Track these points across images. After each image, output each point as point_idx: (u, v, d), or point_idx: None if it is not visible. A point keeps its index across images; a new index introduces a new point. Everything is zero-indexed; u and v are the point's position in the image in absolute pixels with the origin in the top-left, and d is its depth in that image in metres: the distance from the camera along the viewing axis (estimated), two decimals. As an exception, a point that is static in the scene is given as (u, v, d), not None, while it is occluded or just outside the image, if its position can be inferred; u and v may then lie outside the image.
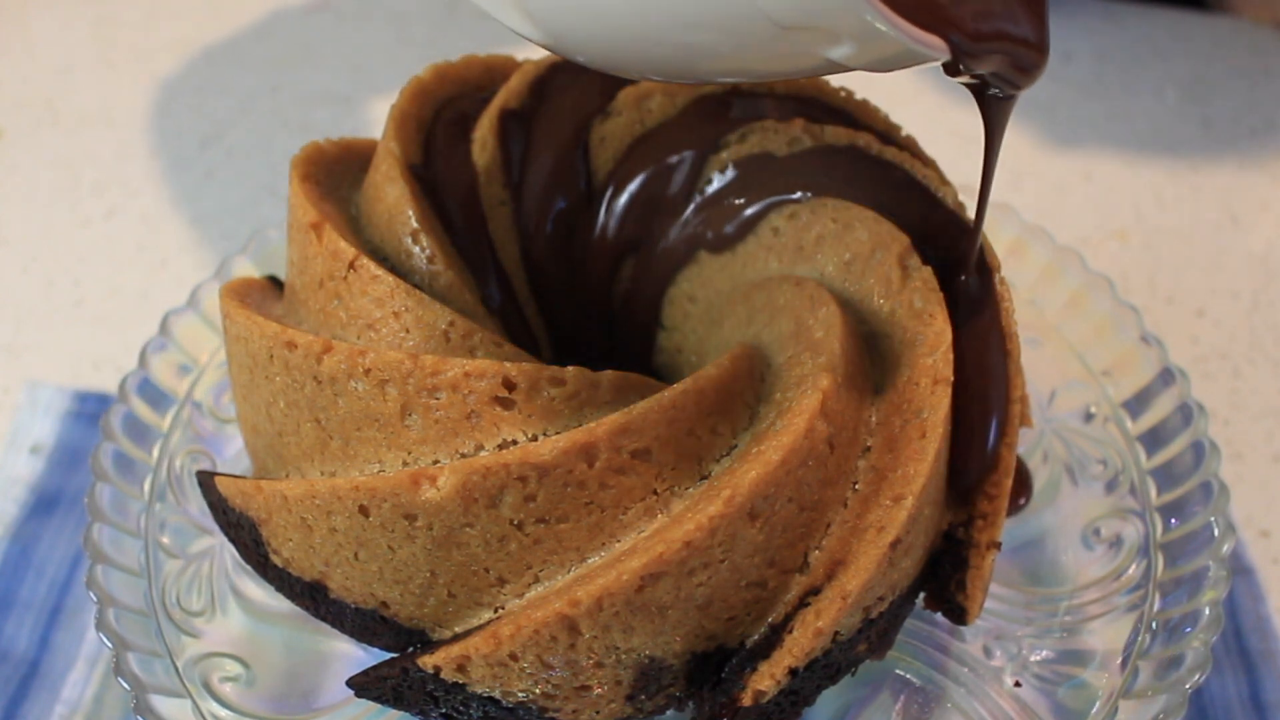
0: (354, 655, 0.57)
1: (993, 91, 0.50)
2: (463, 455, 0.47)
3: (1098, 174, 0.96)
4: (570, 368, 0.47)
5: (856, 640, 0.48)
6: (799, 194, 0.55)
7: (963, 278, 0.53)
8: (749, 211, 0.57)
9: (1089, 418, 0.64)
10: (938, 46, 0.42)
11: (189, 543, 0.59)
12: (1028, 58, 0.49)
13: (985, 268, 0.52)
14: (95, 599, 0.52)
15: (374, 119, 1.00)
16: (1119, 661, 0.53)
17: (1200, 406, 0.60)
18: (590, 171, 0.59)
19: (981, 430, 0.50)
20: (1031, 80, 0.49)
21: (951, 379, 0.49)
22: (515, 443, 0.46)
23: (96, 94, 1.03)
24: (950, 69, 0.44)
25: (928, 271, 0.51)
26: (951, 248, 0.52)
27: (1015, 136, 0.99)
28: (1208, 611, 0.51)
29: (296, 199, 0.54)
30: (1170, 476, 0.59)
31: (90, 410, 0.75)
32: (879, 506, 0.48)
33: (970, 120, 0.93)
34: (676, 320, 0.60)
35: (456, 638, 0.47)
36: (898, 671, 0.56)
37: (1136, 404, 0.63)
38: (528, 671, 0.45)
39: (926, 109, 1.01)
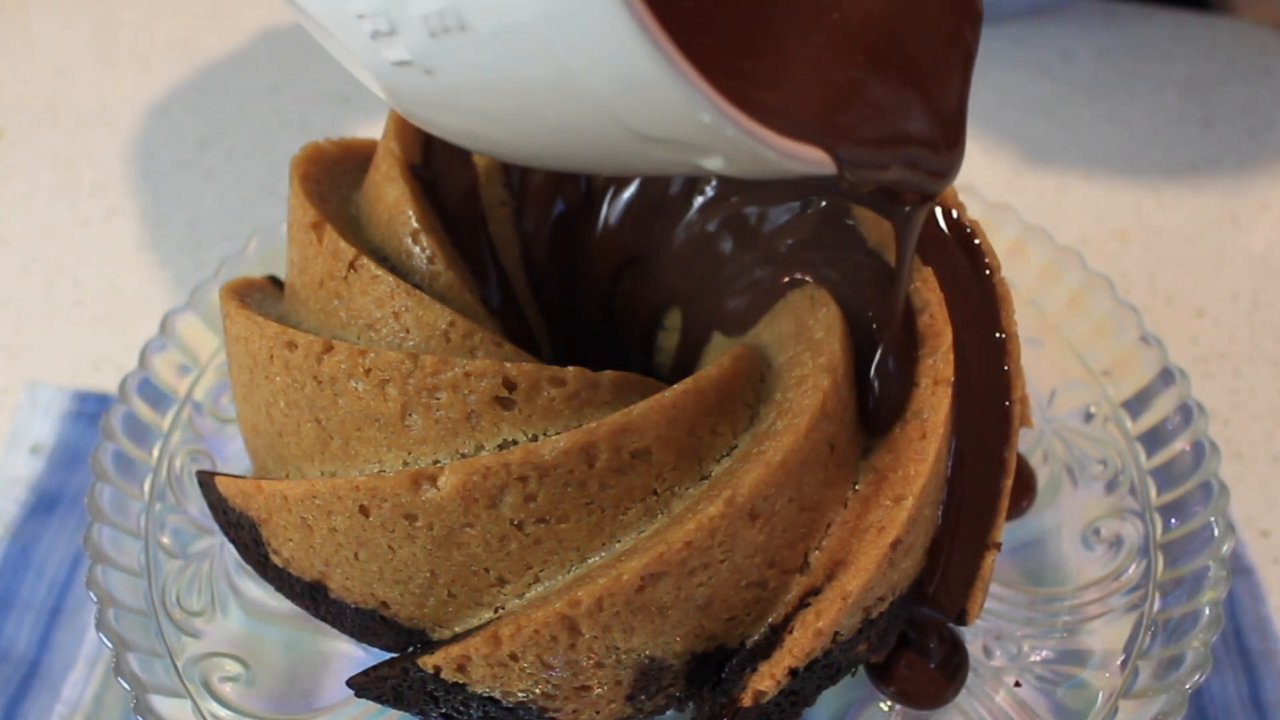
0: (354, 655, 0.57)
1: (903, 206, 0.44)
2: (463, 455, 0.47)
3: (1098, 174, 0.96)
4: (570, 368, 0.47)
5: (856, 640, 0.48)
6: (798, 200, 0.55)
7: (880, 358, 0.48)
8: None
9: (1089, 418, 0.64)
10: (819, 161, 0.37)
11: (189, 543, 0.59)
12: (933, 162, 0.41)
13: (985, 268, 0.52)
14: (95, 599, 0.52)
15: (374, 119, 1.00)
16: (1119, 661, 0.53)
17: (1200, 406, 0.60)
18: (590, 171, 0.59)
19: (982, 432, 0.50)
20: (943, 184, 0.43)
21: (952, 379, 0.49)
22: (515, 443, 0.46)
23: (96, 94, 1.03)
24: (842, 182, 0.39)
25: (928, 271, 0.51)
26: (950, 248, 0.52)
27: (1015, 136, 0.99)
28: (1208, 611, 0.51)
29: (297, 199, 0.54)
30: (1170, 476, 0.59)
31: (90, 410, 0.75)
32: (879, 507, 0.48)
33: (970, 120, 0.93)
34: (677, 320, 0.60)
35: (456, 638, 0.47)
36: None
37: (1136, 404, 0.63)
38: (528, 671, 0.45)
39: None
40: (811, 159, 0.37)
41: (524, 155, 0.43)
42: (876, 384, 0.49)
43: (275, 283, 0.61)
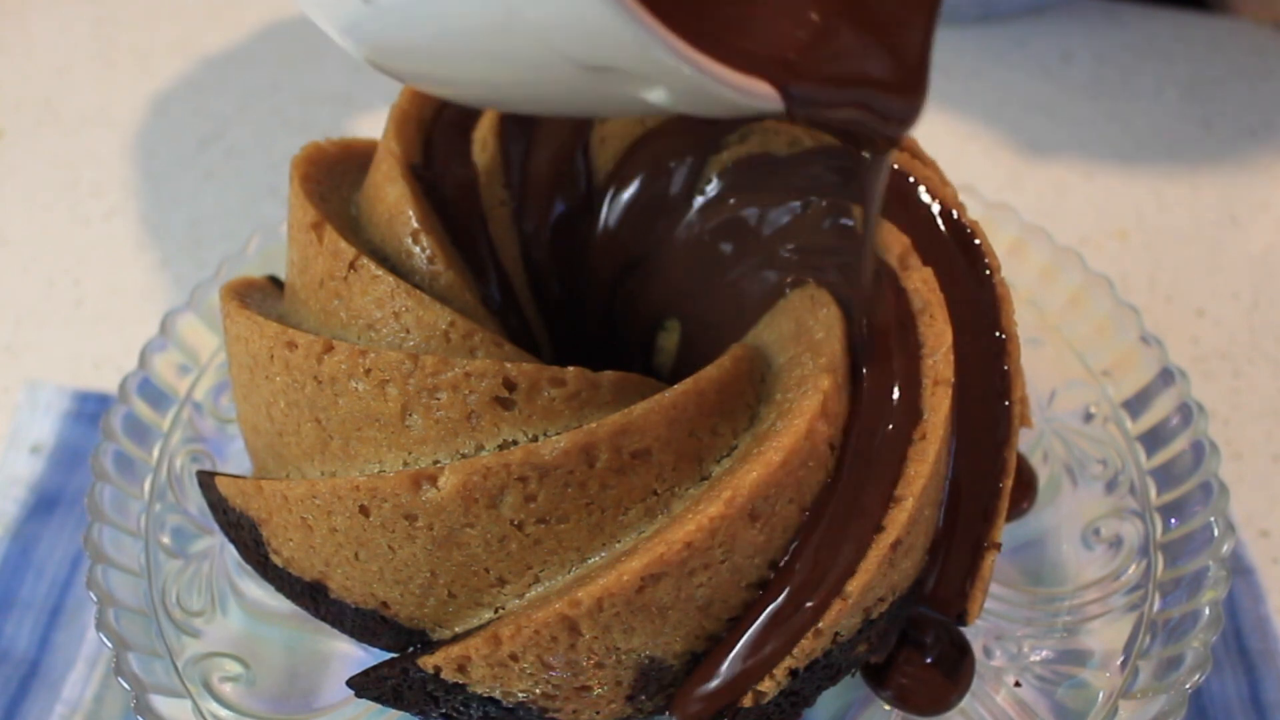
0: (354, 655, 0.57)
1: (867, 151, 0.44)
2: (463, 455, 0.47)
3: (1098, 174, 0.96)
4: (571, 368, 0.47)
5: (857, 641, 0.48)
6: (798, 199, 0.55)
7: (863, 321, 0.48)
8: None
9: (1089, 418, 0.64)
10: (767, 96, 0.37)
11: (189, 543, 0.59)
12: (891, 106, 0.41)
13: (984, 268, 0.52)
14: (95, 599, 0.52)
15: (374, 119, 1.00)
16: (1119, 661, 0.53)
17: (1200, 406, 0.60)
18: (591, 172, 0.59)
19: (982, 432, 0.50)
20: (903, 130, 0.42)
21: (952, 379, 0.49)
22: (516, 443, 0.46)
23: (96, 94, 1.03)
24: (794, 118, 0.39)
25: (928, 272, 0.51)
26: (950, 249, 0.52)
27: (1015, 136, 0.99)
28: (1208, 611, 0.52)
29: (297, 199, 0.54)
30: (1170, 476, 0.59)
31: (90, 410, 0.75)
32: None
33: (969, 120, 0.93)
34: (677, 321, 0.60)
35: (457, 638, 0.47)
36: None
37: (1136, 404, 0.63)
38: (528, 672, 0.45)
39: (927, 109, 1.01)
40: (759, 93, 0.37)
41: (470, 93, 0.42)
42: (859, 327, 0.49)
43: (275, 283, 0.61)
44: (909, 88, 0.42)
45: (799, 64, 0.39)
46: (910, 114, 0.42)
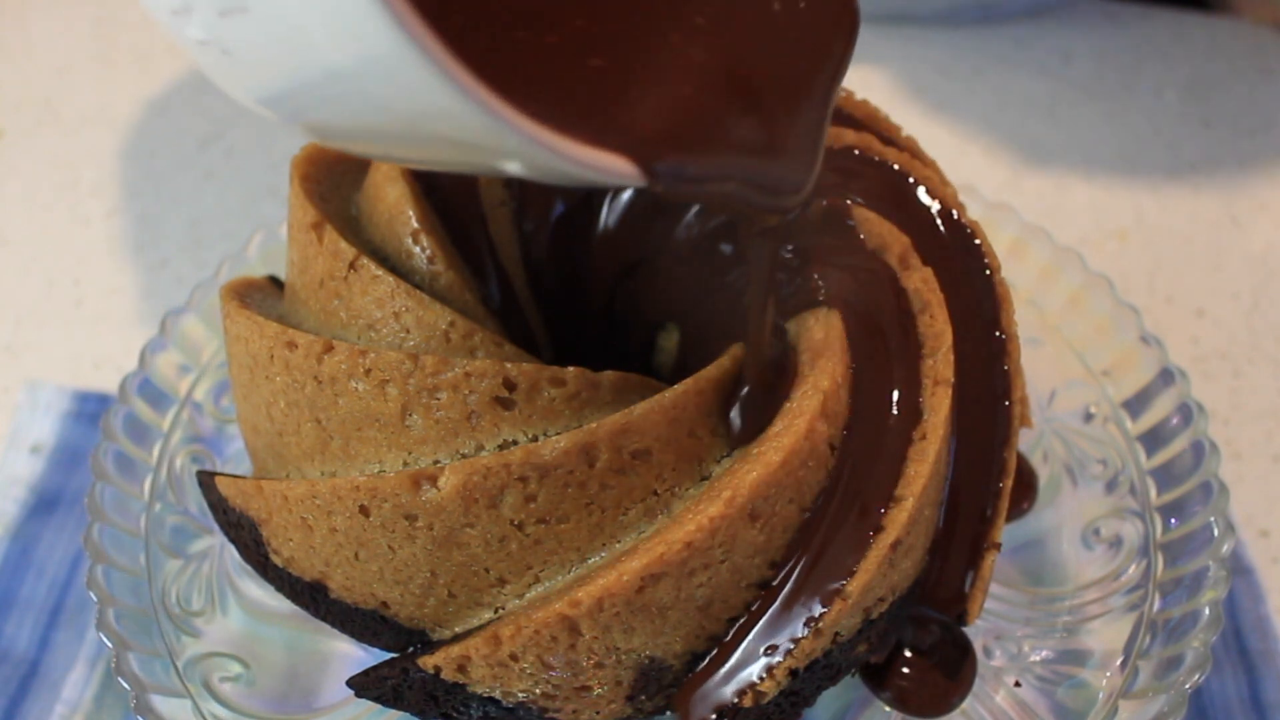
0: (354, 655, 0.57)
1: (746, 227, 0.41)
2: (463, 455, 0.47)
3: (1098, 174, 0.96)
4: (571, 368, 0.47)
5: (856, 641, 0.48)
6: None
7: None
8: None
9: (1089, 418, 0.64)
10: (625, 173, 0.34)
11: (189, 543, 0.59)
12: (774, 182, 0.37)
13: (984, 268, 0.52)
14: (95, 599, 0.52)
15: (374, 119, 0.99)
16: (1119, 661, 0.53)
17: (1200, 406, 0.60)
18: (591, 172, 0.59)
19: (982, 432, 0.50)
20: (788, 206, 0.38)
21: (952, 380, 0.49)
22: (516, 443, 0.46)
23: (96, 94, 1.03)
24: (661, 195, 0.36)
25: (928, 272, 0.51)
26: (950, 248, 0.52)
27: (1015, 136, 0.99)
28: (1208, 611, 0.52)
29: (297, 199, 0.54)
30: (1170, 476, 0.59)
31: (90, 410, 0.75)
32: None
33: (969, 121, 0.92)
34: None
35: (457, 638, 0.47)
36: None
37: (1136, 404, 0.63)
38: (528, 672, 0.45)
39: (927, 109, 1.01)
40: (616, 171, 0.34)
41: (341, 143, 0.41)
42: (738, 413, 0.47)
43: (275, 283, 0.61)
44: (794, 168, 0.38)
45: (673, 140, 0.36)
46: (794, 193, 0.38)
